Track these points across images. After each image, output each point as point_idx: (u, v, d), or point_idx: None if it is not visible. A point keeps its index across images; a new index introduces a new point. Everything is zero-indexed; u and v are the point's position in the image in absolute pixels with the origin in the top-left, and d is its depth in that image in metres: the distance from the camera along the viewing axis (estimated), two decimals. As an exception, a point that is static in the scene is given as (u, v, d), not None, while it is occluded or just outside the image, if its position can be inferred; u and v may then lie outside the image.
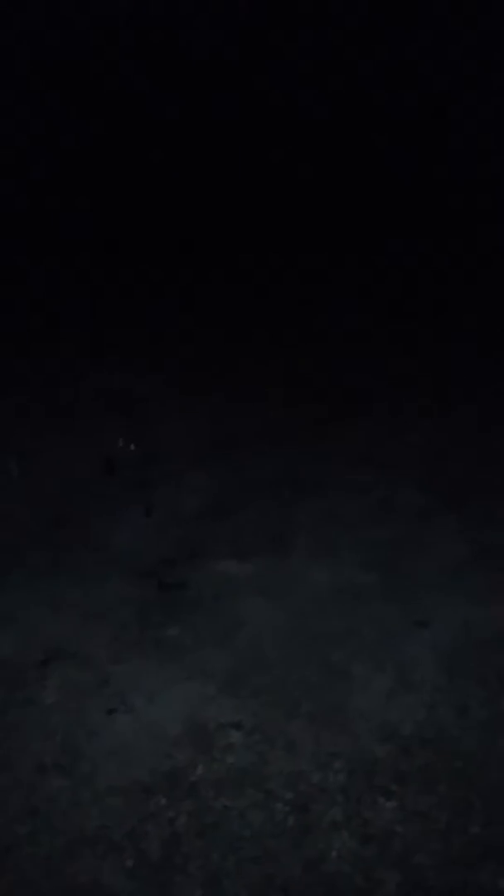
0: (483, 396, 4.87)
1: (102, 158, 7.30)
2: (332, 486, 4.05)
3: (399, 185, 7.06)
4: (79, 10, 7.09)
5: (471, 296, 6.05)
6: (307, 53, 7.19)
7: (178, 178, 7.40)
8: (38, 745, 2.70)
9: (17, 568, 3.54)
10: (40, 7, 7.00)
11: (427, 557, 3.55)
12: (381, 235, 6.89)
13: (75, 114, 7.29)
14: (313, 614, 3.23)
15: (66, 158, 7.33)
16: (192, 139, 7.40)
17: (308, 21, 7.07)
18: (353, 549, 3.60)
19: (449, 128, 6.95)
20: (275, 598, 3.32)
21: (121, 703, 2.84)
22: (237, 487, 4.07)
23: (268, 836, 2.41)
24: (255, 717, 2.77)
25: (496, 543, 3.61)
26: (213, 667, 2.98)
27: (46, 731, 2.75)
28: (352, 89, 7.16)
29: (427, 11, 6.88)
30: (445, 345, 5.54)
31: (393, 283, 6.32)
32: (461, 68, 6.77)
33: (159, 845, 2.39)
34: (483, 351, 5.40)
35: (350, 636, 3.11)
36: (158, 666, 3.00)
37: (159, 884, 2.30)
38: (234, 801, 2.51)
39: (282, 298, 6.21)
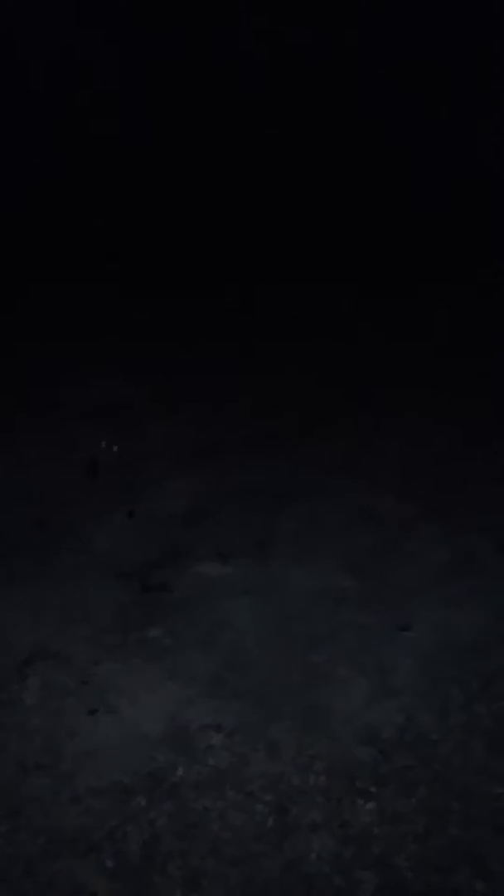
0: (467, 406, 4.90)
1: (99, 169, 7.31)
2: (314, 492, 4.07)
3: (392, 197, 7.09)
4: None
5: (461, 305, 6.08)
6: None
7: (171, 187, 7.42)
8: (19, 745, 2.70)
9: (-2, 569, 3.54)
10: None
11: (408, 563, 3.56)
12: (372, 238, 6.92)
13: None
14: (295, 618, 3.24)
15: (65, 163, 7.34)
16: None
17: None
18: (335, 554, 3.61)
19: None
20: (257, 601, 3.33)
21: (102, 704, 2.85)
22: (220, 491, 4.08)
23: (248, 837, 2.42)
24: (236, 719, 2.78)
25: (476, 550, 3.63)
26: (194, 669, 2.99)
27: (27, 732, 2.75)
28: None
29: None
30: (431, 354, 5.57)
31: (379, 292, 6.35)
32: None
33: (139, 846, 2.40)
34: (468, 360, 5.43)
35: (331, 640, 3.12)
36: (140, 667, 3.01)
37: (139, 884, 2.30)
38: (215, 802, 2.52)
39: (265, 307, 6.23)
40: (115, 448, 4.37)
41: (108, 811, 2.49)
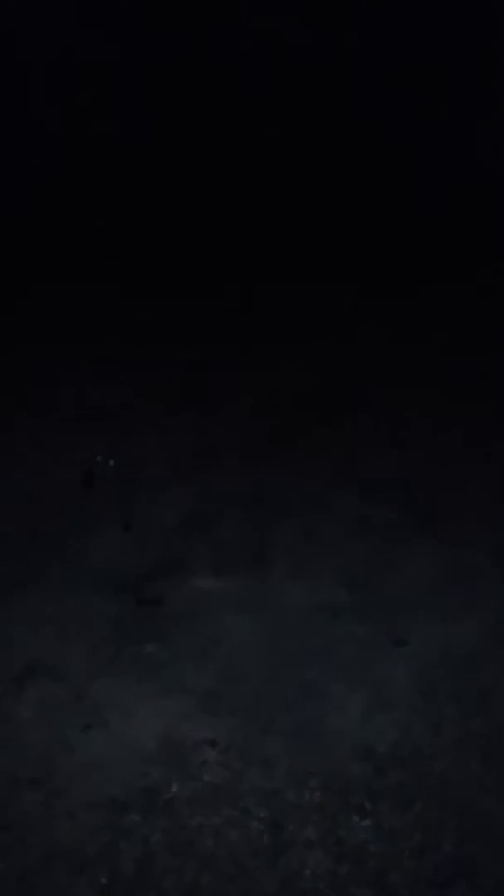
0: (467, 406, 4.88)
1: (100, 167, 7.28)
2: (310, 504, 4.04)
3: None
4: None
5: (461, 305, 6.05)
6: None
7: (171, 187, 7.39)
8: (13, 760, 2.70)
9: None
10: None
11: (404, 576, 3.54)
12: (372, 238, 6.88)
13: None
14: (290, 632, 3.23)
15: (65, 163, 7.30)
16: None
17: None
18: (331, 567, 3.59)
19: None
20: (252, 614, 3.31)
21: (96, 719, 2.84)
22: (215, 503, 4.05)
23: (242, 853, 2.42)
24: (230, 735, 2.78)
25: (473, 563, 3.61)
26: (189, 683, 2.98)
27: (21, 747, 2.75)
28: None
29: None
30: (431, 354, 5.55)
31: (379, 292, 6.32)
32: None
33: (133, 862, 2.40)
34: (468, 360, 5.41)
35: (327, 654, 3.11)
36: (134, 682, 3.00)
37: (133, 901, 2.30)
38: (209, 818, 2.52)
39: (265, 307, 6.21)
40: (112, 462, 4.34)
41: (102, 827, 2.49)
